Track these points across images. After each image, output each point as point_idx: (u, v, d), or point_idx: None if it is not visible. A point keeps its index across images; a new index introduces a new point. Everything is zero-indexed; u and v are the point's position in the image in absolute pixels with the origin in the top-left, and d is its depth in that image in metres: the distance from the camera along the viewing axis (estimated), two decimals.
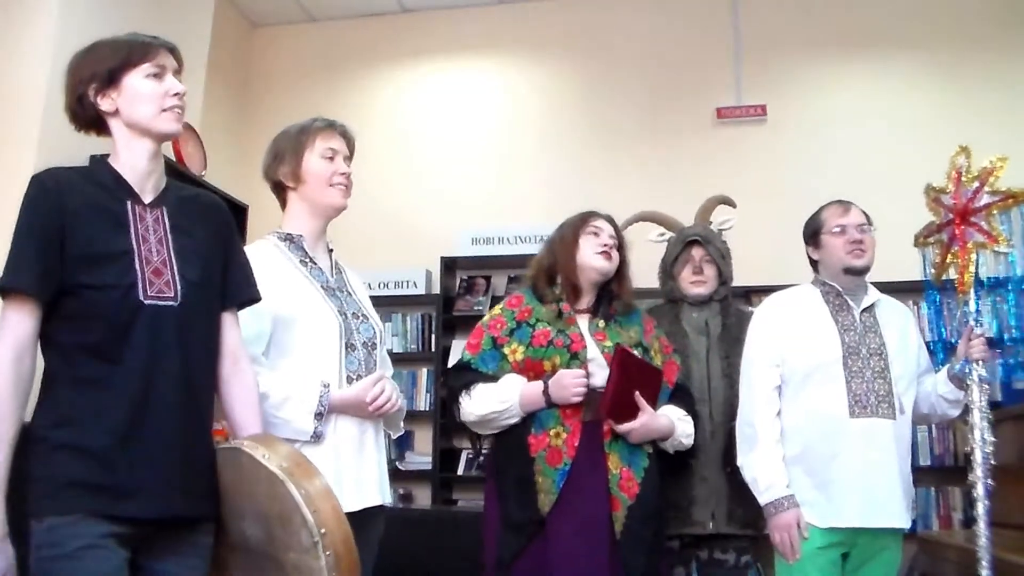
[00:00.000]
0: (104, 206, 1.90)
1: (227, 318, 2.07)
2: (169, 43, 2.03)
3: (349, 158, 2.53)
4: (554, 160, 5.85)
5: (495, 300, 5.60)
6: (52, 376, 1.83)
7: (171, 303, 1.87)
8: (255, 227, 5.22)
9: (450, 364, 5.49)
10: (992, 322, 3.94)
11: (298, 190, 2.47)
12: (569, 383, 2.59)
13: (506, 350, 2.71)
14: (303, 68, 6.32)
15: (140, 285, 1.84)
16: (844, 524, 2.66)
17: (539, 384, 2.62)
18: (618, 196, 5.32)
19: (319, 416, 2.23)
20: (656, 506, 2.70)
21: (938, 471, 4.85)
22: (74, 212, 1.84)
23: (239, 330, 2.10)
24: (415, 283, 5.65)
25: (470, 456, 5.43)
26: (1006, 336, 3.46)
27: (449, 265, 5.70)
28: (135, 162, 1.97)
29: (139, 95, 1.94)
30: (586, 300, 2.83)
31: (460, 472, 5.41)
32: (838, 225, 2.86)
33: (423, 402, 5.52)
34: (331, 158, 2.47)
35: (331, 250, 2.54)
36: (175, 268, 1.91)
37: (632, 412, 2.63)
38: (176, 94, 1.97)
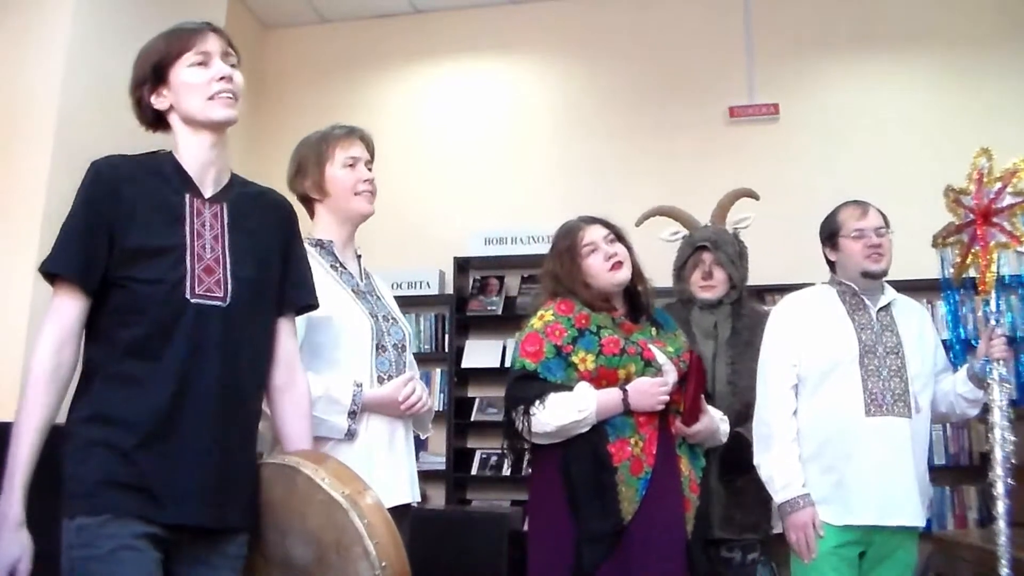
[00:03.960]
0: (161, 198, 1.85)
1: (283, 324, 2.01)
2: (212, 25, 1.96)
3: (371, 161, 2.55)
4: (566, 160, 5.85)
5: (508, 300, 5.61)
6: (90, 370, 1.78)
7: (219, 303, 1.82)
8: None
9: (464, 360, 5.54)
10: (1010, 320, 3.92)
11: (324, 202, 2.50)
12: (654, 391, 2.55)
13: (574, 359, 2.60)
14: (315, 69, 6.34)
15: (188, 282, 1.79)
16: (860, 522, 2.66)
17: (615, 392, 2.55)
18: (630, 196, 5.32)
19: (353, 415, 2.26)
20: (709, 504, 2.71)
21: (953, 470, 4.83)
22: (129, 203, 1.80)
23: (296, 338, 2.07)
24: (428, 283, 5.67)
25: (484, 456, 5.44)
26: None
27: (462, 265, 5.71)
28: (196, 154, 1.92)
29: (186, 86, 1.90)
30: (620, 309, 2.76)
31: (474, 472, 5.42)
32: (856, 229, 2.85)
33: (437, 402, 5.50)
34: (352, 166, 2.49)
35: (359, 256, 2.58)
36: (228, 266, 1.86)
37: (697, 415, 2.62)
38: (223, 78, 1.91)
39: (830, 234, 2.93)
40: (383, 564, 1.72)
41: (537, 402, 2.54)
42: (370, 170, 2.54)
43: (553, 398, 2.53)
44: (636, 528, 2.47)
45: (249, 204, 1.98)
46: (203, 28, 1.94)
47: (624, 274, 2.72)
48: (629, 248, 2.79)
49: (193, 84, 1.89)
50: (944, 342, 3.07)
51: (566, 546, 2.49)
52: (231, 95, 1.92)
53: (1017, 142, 4.79)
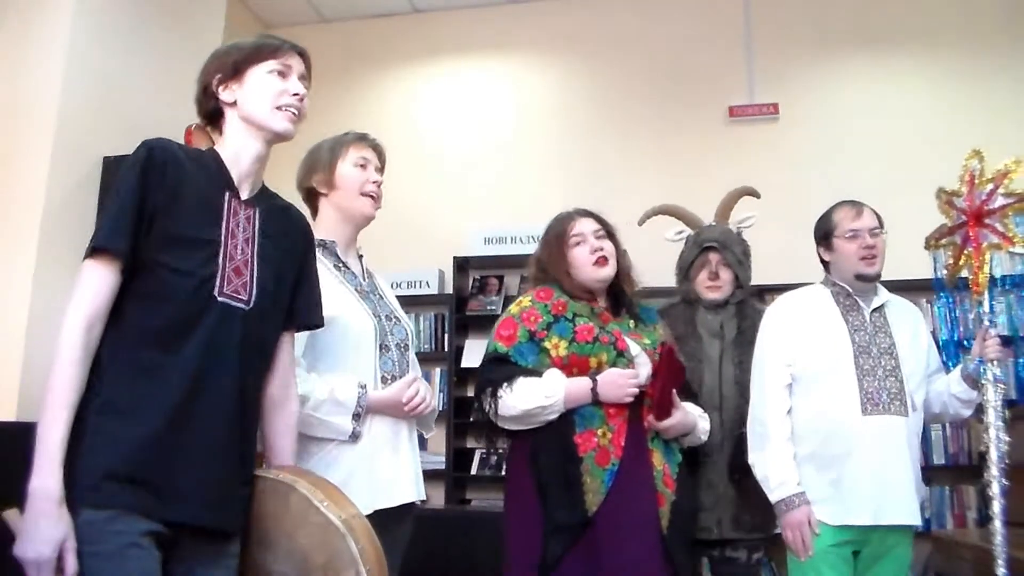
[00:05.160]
0: (204, 190, 1.86)
1: (286, 338, 2.03)
2: (300, 47, 2.03)
3: (380, 170, 2.60)
4: (566, 159, 5.86)
5: (508, 300, 5.60)
6: (105, 357, 1.71)
7: (242, 305, 1.83)
8: None
9: (464, 359, 5.53)
10: (1005, 320, 3.91)
11: (330, 196, 2.53)
12: (623, 382, 2.54)
13: (547, 344, 2.61)
14: (315, 69, 6.15)
15: (218, 279, 1.80)
16: (857, 522, 2.67)
17: (585, 380, 2.55)
18: (630, 195, 5.32)
19: (357, 417, 2.28)
20: (691, 501, 2.69)
21: (952, 470, 4.83)
22: (175, 188, 1.79)
23: (293, 354, 2.08)
24: (428, 283, 5.67)
25: (484, 456, 5.44)
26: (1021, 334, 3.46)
27: (462, 265, 5.72)
28: (241, 157, 1.95)
29: (258, 89, 1.94)
30: (601, 302, 2.77)
31: (474, 472, 5.42)
32: (851, 230, 2.85)
33: (437, 402, 5.46)
34: (363, 166, 2.53)
35: (361, 256, 2.60)
36: (255, 271, 1.88)
37: (669, 409, 2.60)
38: (296, 94, 1.96)
39: (824, 234, 2.94)
40: None
41: (505, 385, 2.55)
42: (379, 176, 2.58)
43: (521, 382, 2.54)
44: (603, 520, 2.46)
45: (276, 215, 2.00)
46: (293, 47, 2.01)
47: (606, 272, 2.72)
48: (618, 247, 2.80)
49: (267, 87, 1.94)
50: (937, 343, 3.08)
51: (536, 536, 2.48)
52: (297, 112, 1.97)
53: (1018, 142, 4.80)
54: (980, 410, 2.82)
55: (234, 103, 1.95)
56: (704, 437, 2.79)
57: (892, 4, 5.62)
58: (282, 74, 1.97)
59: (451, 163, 6.02)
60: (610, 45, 5.97)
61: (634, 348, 2.65)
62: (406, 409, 2.37)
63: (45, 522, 1.56)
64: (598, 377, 2.55)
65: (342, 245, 2.52)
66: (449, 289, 5.70)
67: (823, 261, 2.98)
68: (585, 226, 2.78)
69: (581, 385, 2.55)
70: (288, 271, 2.00)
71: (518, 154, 5.96)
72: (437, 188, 5.95)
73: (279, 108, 1.95)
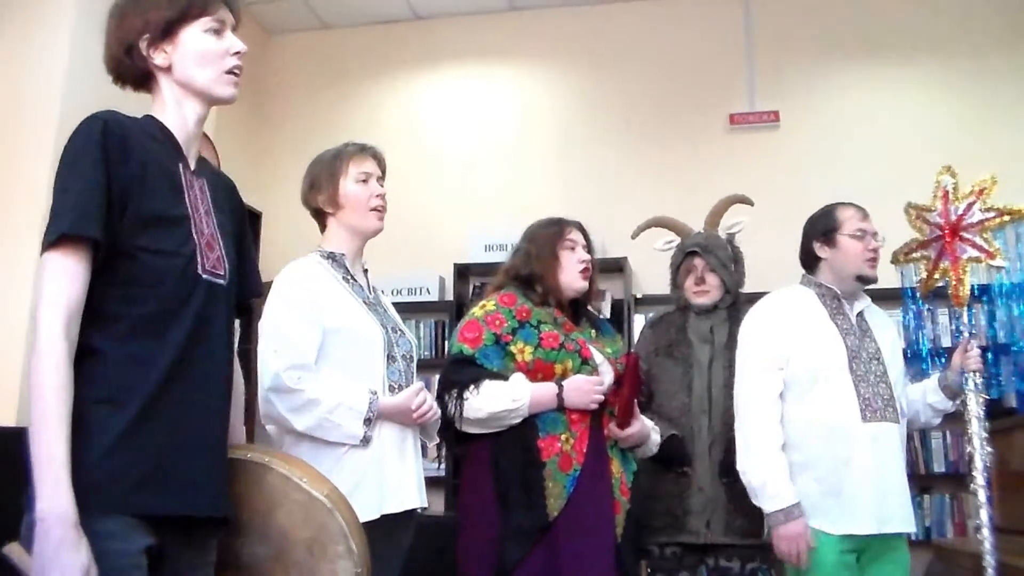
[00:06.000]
0: (162, 164, 1.71)
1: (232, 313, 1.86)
2: None
3: (382, 178, 2.63)
4: (567, 166, 5.86)
5: None
6: (90, 351, 1.55)
7: (222, 281, 1.73)
8: (268, 234, 5.24)
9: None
10: (1007, 330, 3.90)
11: (337, 215, 2.57)
12: (589, 388, 2.59)
13: (512, 348, 2.63)
14: (317, 75, 6.34)
15: (199, 257, 1.68)
16: (860, 531, 2.64)
17: (550, 386, 2.59)
18: (631, 202, 5.35)
19: (368, 422, 2.32)
20: (640, 510, 2.73)
21: (953, 477, 4.82)
22: (138, 164, 1.63)
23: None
24: (428, 290, 5.66)
25: None
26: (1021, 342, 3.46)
27: (462, 271, 5.70)
28: (184, 122, 1.79)
29: (197, 53, 1.76)
30: (564, 311, 2.81)
31: None
32: (860, 229, 2.83)
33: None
34: (365, 181, 2.56)
35: (366, 270, 2.65)
36: (221, 245, 1.76)
37: (629, 419, 2.65)
38: (237, 52, 1.80)
39: (826, 230, 2.89)
40: (363, 562, 1.75)
41: (472, 386, 2.59)
42: (382, 186, 2.61)
43: (488, 384, 2.58)
44: (562, 525, 2.49)
45: (217, 184, 1.88)
46: None
47: (585, 285, 2.80)
48: (594, 267, 2.87)
49: (209, 52, 1.77)
50: (906, 352, 3.10)
51: (494, 542, 2.50)
52: (239, 72, 1.83)
53: (1017, 151, 4.81)
54: (950, 417, 2.85)
55: (168, 67, 1.77)
56: (655, 449, 2.84)
57: (893, 13, 5.63)
58: (217, 31, 1.79)
59: (452, 170, 6.02)
60: (611, 53, 5.98)
61: (597, 357, 2.70)
62: (414, 416, 2.41)
63: (66, 551, 1.39)
64: (564, 383, 2.60)
65: (350, 258, 2.58)
66: (450, 296, 5.68)
67: (814, 258, 2.93)
68: (579, 237, 2.85)
69: (547, 390, 2.59)
70: (236, 241, 1.88)
71: (519, 161, 5.96)
72: (438, 195, 5.95)
73: (225, 72, 1.79)
